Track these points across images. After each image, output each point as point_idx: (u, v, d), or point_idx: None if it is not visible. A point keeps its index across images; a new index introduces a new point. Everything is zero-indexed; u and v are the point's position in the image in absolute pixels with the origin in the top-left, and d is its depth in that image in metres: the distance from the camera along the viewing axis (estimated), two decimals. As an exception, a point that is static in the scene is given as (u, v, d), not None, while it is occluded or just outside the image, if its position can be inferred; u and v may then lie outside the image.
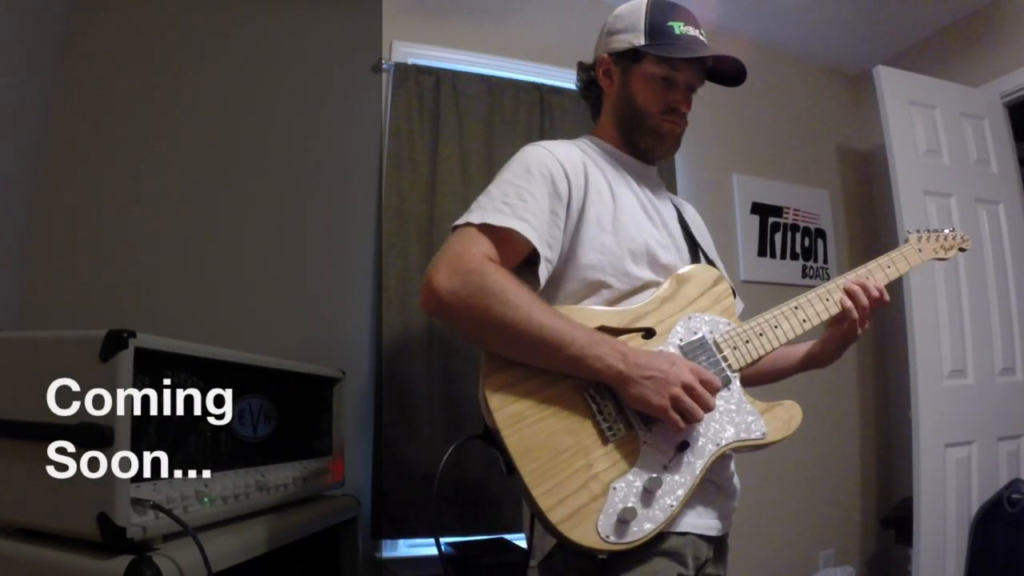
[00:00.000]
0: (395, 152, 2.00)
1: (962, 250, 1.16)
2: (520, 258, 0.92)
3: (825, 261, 2.70)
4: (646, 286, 0.96)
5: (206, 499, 0.96)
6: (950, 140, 2.27)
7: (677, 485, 0.82)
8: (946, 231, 1.15)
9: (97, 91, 1.80)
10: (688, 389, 0.82)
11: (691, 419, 0.82)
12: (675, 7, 1.04)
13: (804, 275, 2.64)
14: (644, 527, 0.79)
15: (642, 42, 1.01)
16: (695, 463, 0.85)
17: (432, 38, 2.18)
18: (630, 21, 1.04)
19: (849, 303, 0.99)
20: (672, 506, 0.81)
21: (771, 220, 2.61)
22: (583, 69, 1.13)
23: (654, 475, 0.81)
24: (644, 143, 1.06)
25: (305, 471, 1.30)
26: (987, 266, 2.24)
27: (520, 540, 1.81)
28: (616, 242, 0.95)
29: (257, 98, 1.96)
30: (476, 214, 0.90)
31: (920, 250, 1.11)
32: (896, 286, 2.27)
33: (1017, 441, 2.15)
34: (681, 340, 0.92)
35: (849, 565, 2.43)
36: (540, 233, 0.90)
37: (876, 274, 1.05)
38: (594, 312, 0.91)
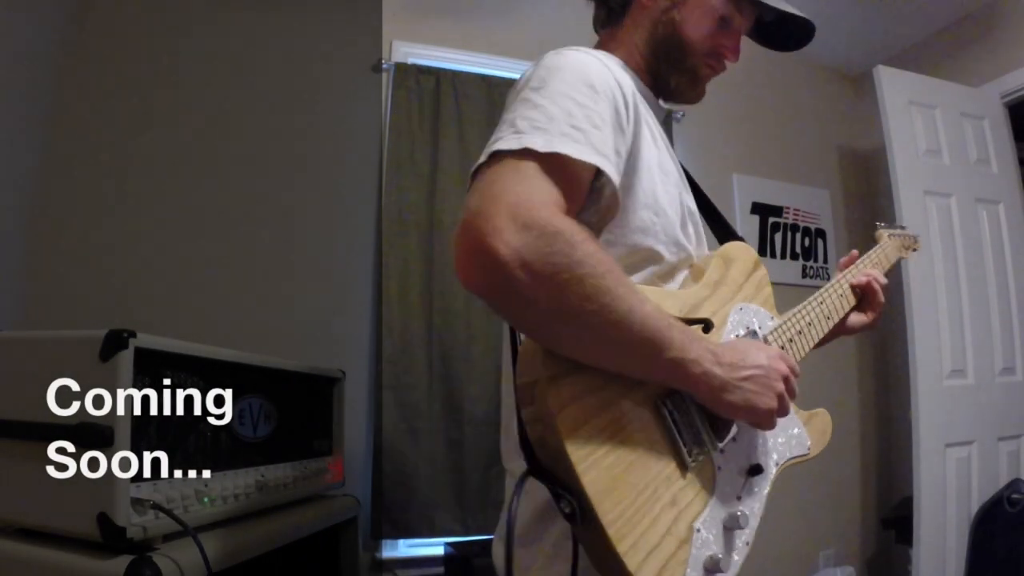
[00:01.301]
0: (395, 152, 2.00)
1: (913, 250, 1.15)
2: (576, 210, 0.66)
3: (825, 261, 2.70)
4: (685, 262, 0.78)
5: (206, 499, 0.96)
6: (950, 140, 2.27)
7: (751, 517, 0.67)
8: (899, 230, 1.15)
9: (97, 91, 1.80)
10: (787, 380, 0.67)
11: (784, 415, 0.68)
12: None
13: (804, 275, 2.64)
14: (727, 575, 0.64)
15: None
16: (763, 489, 0.71)
17: (432, 38, 2.18)
18: None
19: (876, 287, 0.96)
20: (748, 544, 0.66)
21: (771, 220, 2.61)
22: None
23: (732, 510, 0.66)
24: (675, 82, 0.85)
25: (305, 471, 1.30)
26: (987, 266, 2.23)
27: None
28: (668, 199, 0.75)
29: (257, 98, 1.96)
30: (537, 137, 0.60)
31: (893, 248, 1.11)
32: (896, 286, 2.28)
33: (1017, 441, 2.15)
34: (735, 336, 0.74)
35: (849, 565, 2.44)
36: (617, 176, 0.67)
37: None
38: (665, 295, 0.71)
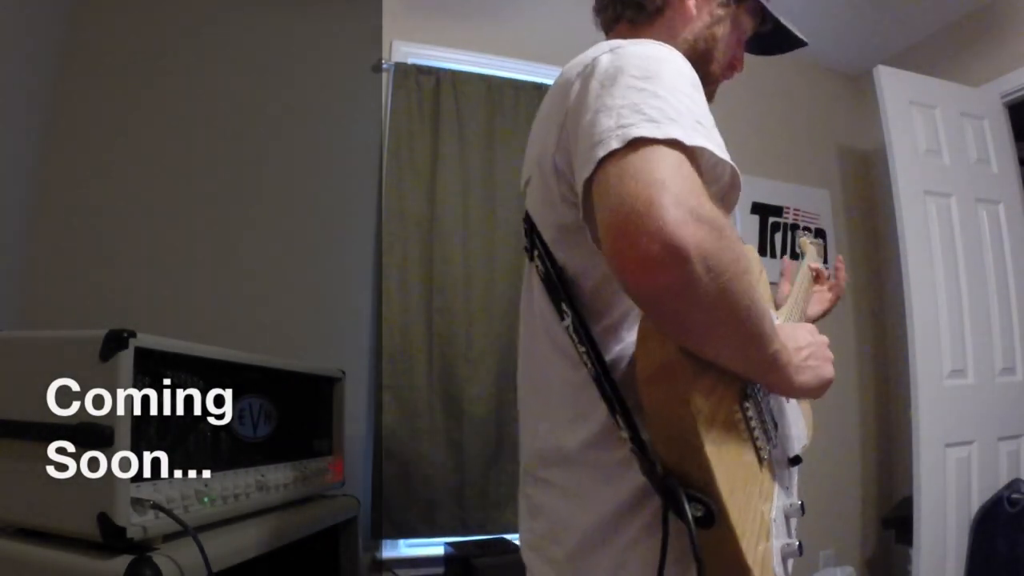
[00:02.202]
0: (395, 152, 2.00)
1: (823, 259, 1.29)
2: None
3: (825, 261, 2.68)
4: None
5: (206, 499, 0.96)
6: (950, 140, 2.27)
7: (795, 502, 0.71)
8: (815, 238, 1.31)
9: (97, 91, 1.80)
10: (828, 344, 0.71)
11: None
12: None
13: (804, 275, 2.64)
14: (790, 563, 0.66)
15: None
16: (796, 477, 0.75)
17: (432, 38, 2.18)
18: None
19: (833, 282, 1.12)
20: (795, 529, 0.69)
21: (771, 220, 2.61)
22: None
23: (789, 500, 0.70)
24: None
25: (305, 471, 1.30)
26: (987, 266, 2.23)
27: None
28: None
29: (257, 98, 1.96)
30: (676, 128, 0.55)
31: (816, 254, 1.23)
32: (896, 286, 2.28)
33: (1017, 441, 2.15)
34: None
35: (849, 565, 2.43)
36: None
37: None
38: None
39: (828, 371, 0.67)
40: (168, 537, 0.87)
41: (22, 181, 1.65)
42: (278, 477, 1.19)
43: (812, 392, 0.67)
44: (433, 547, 1.87)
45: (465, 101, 2.09)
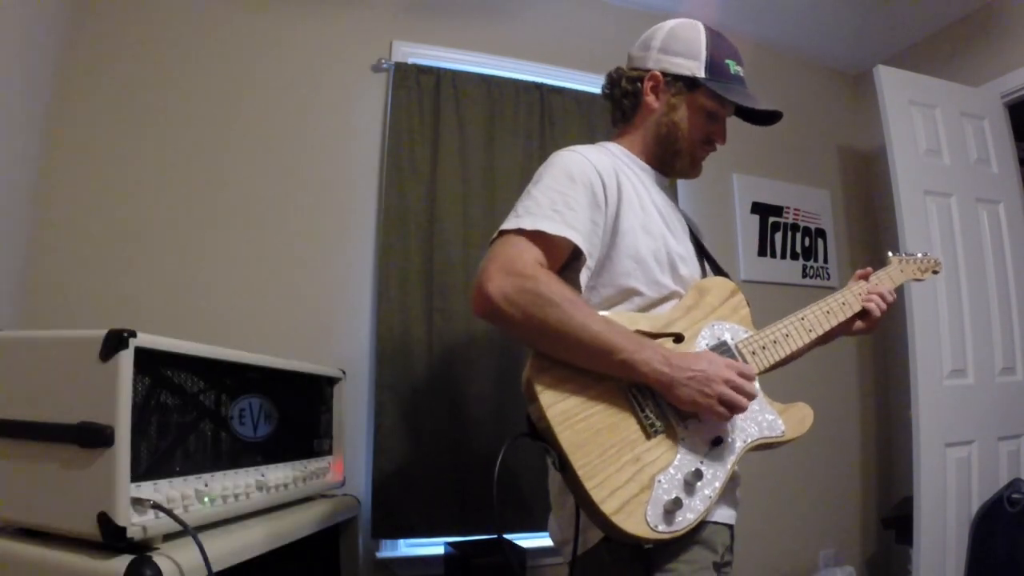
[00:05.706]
0: (395, 152, 2.00)
1: (935, 272, 1.30)
2: (561, 263, 0.96)
3: (825, 261, 2.70)
4: (670, 296, 1.02)
5: (206, 499, 0.96)
6: (950, 140, 2.27)
7: (714, 478, 0.88)
8: (919, 255, 1.28)
9: (97, 91, 1.80)
10: (729, 383, 0.88)
11: (737, 410, 0.88)
12: (728, 44, 1.11)
13: (804, 275, 2.64)
14: (688, 516, 0.84)
15: (702, 74, 1.06)
16: (727, 458, 0.91)
17: (432, 38, 2.18)
18: (688, 48, 1.08)
19: (873, 305, 1.13)
20: (711, 497, 0.87)
21: (771, 220, 2.61)
22: (629, 80, 1.12)
23: (693, 468, 0.87)
24: (679, 165, 1.12)
25: (305, 471, 1.30)
26: (987, 266, 2.23)
27: (521, 539, 1.81)
28: (648, 251, 1.01)
29: (257, 98, 1.96)
30: (526, 220, 0.91)
31: (902, 271, 1.25)
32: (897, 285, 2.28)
33: (1017, 441, 2.15)
34: (707, 345, 0.98)
35: (849, 565, 2.43)
36: (586, 241, 0.95)
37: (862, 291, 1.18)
38: (632, 317, 0.96)
39: (702, 398, 0.86)
40: (168, 537, 0.87)
41: (22, 181, 1.65)
42: (278, 477, 1.18)
43: (684, 405, 0.88)
44: (433, 547, 1.87)
45: (465, 101, 2.09)
